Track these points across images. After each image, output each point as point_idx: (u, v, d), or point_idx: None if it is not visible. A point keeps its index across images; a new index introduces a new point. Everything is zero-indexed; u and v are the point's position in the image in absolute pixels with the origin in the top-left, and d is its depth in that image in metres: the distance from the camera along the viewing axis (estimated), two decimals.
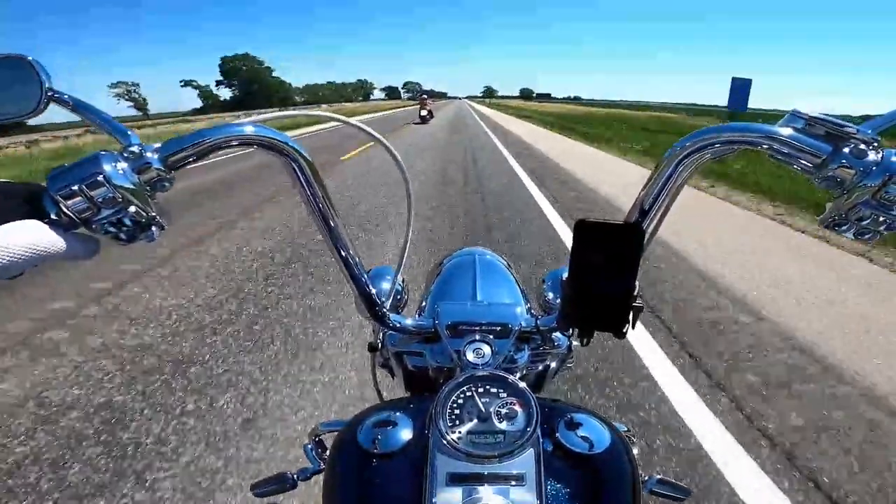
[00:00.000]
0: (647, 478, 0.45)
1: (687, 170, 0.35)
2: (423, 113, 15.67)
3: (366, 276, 0.45)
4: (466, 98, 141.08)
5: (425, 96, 18.09)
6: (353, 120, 0.41)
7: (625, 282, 0.34)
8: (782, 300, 1.94)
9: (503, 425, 0.35)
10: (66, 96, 0.32)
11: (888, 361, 1.46)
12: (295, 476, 0.47)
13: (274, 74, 79.53)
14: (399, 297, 0.57)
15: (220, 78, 77.54)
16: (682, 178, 0.35)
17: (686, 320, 1.77)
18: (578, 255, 0.34)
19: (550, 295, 0.57)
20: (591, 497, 0.35)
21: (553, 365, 0.53)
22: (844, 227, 0.31)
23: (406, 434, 0.37)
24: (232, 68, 75.71)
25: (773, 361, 1.49)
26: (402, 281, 0.58)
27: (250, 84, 74.72)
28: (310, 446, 0.51)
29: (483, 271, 0.65)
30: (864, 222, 0.30)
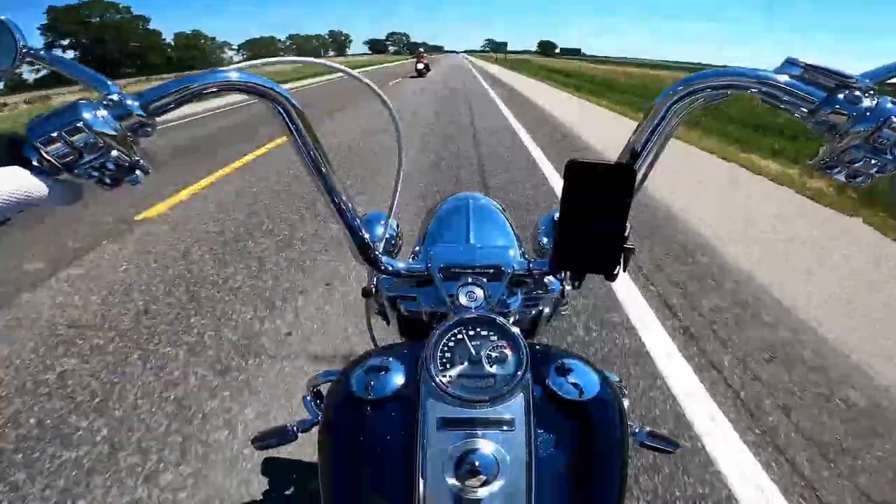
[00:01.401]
0: (637, 430, 0.56)
1: (679, 114, 0.45)
2: (420, 66, 19.60)
3: (359, 220, 0.55)
4: (465, 53, 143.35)
5: (422, 50, 23.74)
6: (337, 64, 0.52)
7: (616, 223, 0.44)
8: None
9: (493, 369, 0.45)
10: (41, 52, 0.42)
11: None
12: (295, 428, 0.59)
13: (151, 27, 67.98)
14: (393, 243, 0.69)
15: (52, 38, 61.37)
16: (674, 122, 0.46)
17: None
18: (570, 196, 0.43)
19: (544, 239, 0.68)
20: (580, 444, 0.45)
21: (546, 311, 0.65)
22: (836, 170, 0.41)
23: (398, 379, 0.47)
24: (71, 20, 62.12)
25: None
26: (397, 227, 0.70)
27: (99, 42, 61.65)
28: (308, 398, 0.63)
29: (477, 215, 0.78)
30: (857, 164, 0.40)
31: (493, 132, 6.33)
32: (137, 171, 0.42)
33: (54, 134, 0.37)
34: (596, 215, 0.44)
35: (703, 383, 1.63)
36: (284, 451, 1.32)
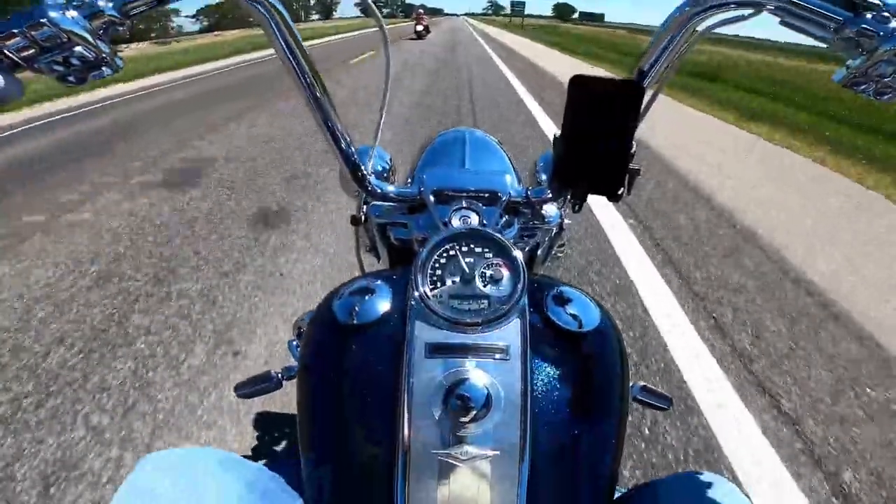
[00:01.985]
0: (630, 384, 0.58)
1: (691, 34, 0.47)
2: (419, 28, 21.68)
3: (352, 147, 0.57)
4: (465, 16, 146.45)
5: (421, 11, 25.06)
6: None
7: (621, 142, 0.45)
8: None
9: (488, 289, 0.46)
10: None
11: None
12: (280, 375, 0.61)
13: None
14: (386, 173, 0.72)
15: None
16: (687, 41, 0.47)
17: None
18: (573, 112, 0.44)
19: (543, 176, 0.71)
20: (578, 379, 0.45)
21: (543, 243, 0.68)
22: (864, 86, 0.44)
23: (385, 304, 0.47)
24: None
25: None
26: (390, 159, 0.73)
27: None
28: (294, 342, 0.65)
29: (473, 145, 0.80)
30: (886, 79, 0.43)
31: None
32: (104, 67, 0.44)
33: (14, 30, 0.39)
34: (600, 134, 0.45)
35: None
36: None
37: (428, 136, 0.92)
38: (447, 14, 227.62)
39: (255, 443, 1.41)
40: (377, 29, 0.58)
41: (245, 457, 0.48)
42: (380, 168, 0.66)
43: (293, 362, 0.60)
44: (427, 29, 22.23)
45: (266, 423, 1.47)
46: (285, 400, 1.51)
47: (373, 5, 0.55)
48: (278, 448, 1.42)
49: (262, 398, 1.31)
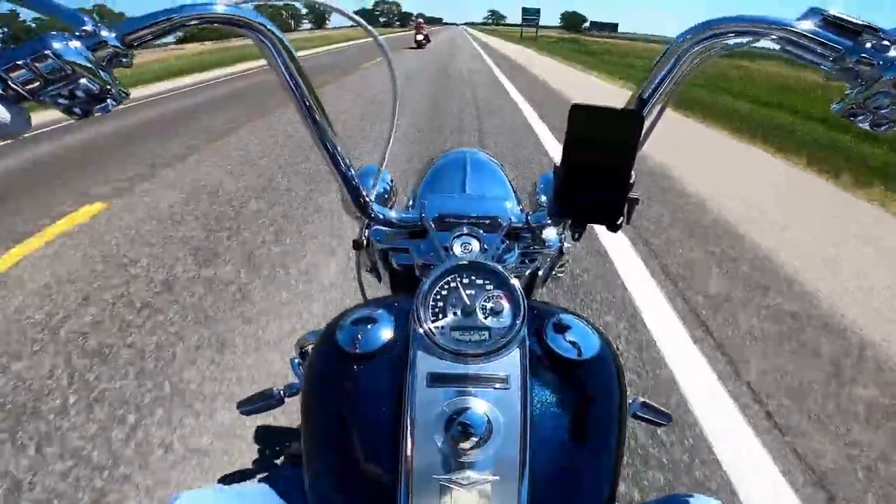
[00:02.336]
0: (630, 400, 0.62)
1: (693, 61, 0.51)
2: (419, 38, 23.29)
3: (352, 170, 0.61)
4: (465, 25, 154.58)
5: (421, 21, 27.46)
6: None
7: (621, 171, 0.49)
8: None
9: (489, 321, 0.50)
10: None
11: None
12: (281, 392, 0.66)
13: None
14: (388, 196, 0.77)
15: None
16: (687, 68, 0.51)
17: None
18: (573, 141, 0.48)
19: (543, 197, 0.76)
20: (577, 405, 0.49)
21: (543, 268, 0.72)
22: (861, 117, 0.48)
23: (387, 332, 0.52)
24: None
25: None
26: (391, 181, 0.78)
27: None
28: (296, 360, 0.70)
29: (474, 169, 0.86)
30: (883, 111, 0.46)
31: None
32: (108, 100, 0.47)
33: (20, 62, 0.42)
34: (600, 163, 0.49)
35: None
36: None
37: (429, 158, 0.97)
38: (446, 23, 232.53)
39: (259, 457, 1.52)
40: (368, 39, 0.61)
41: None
42: (381, 189, 0.70)
43: (295, 379, 0.67)
44: (427, 38, 23.70)
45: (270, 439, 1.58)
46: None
47: (373, 32, 0.59)
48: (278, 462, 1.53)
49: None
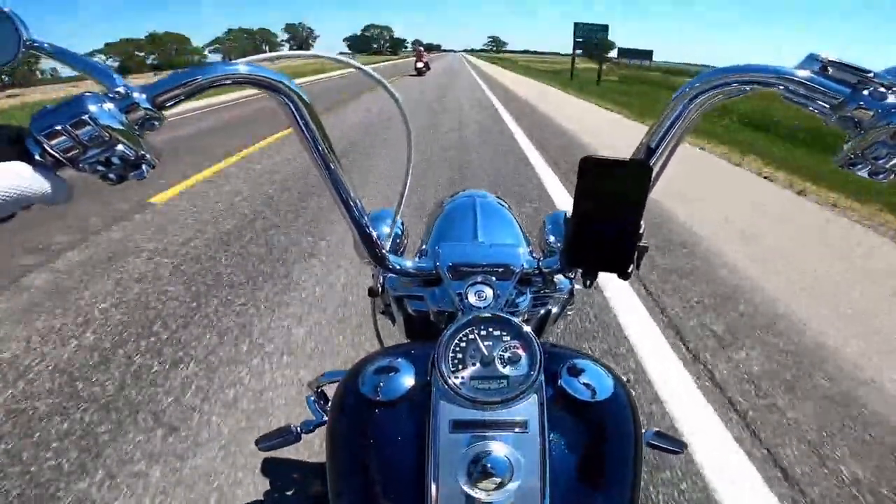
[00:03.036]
0: (643, 430, 0.69)
1: (697, 110, 0.60)
2: (419, 65, 26.13)
3: (366, 217, 0.70)
4: (463, 52, 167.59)
5: (421, 48, 31.56)
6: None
7: (630, 221, 0.57)
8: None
9: (506, 370, 0.58)
10: (45, 44, 0.53)
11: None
12: (298, 429, 0.76)
13: None
14: (399, 240, 0.86)
15: None
16: (692, 118, 0.60)
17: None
18: (583, 192, 0.57)
19: (552, 238, 0.85)
20: (593, 446, 0.58)
21: (554, 310, 0.81)
22: (860, 166, 0.53)
23: (408, 381, 0.60)
24: None
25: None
26: (402, 225, 0.87)
27: None
28: (312, 398, 0.79)
29: (484, 213, 0.97)
30: (881, 161, 0.51)
31: None
32: (143, 166, 0.53)
33: (58, 127, 0.46)
34: (609, 213, 0.57)
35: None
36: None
37: (437, 204, 1.08)
38: (444, 50, 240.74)
39: (275, 494, 1.73)
40: (368, 66, 0.70)
41: None
42: (394, 234, 0.81)
43: (311, 416, 0.77)
44: (427, 66, 26.59)
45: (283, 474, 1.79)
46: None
47: (390, 88, 0.69)
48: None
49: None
